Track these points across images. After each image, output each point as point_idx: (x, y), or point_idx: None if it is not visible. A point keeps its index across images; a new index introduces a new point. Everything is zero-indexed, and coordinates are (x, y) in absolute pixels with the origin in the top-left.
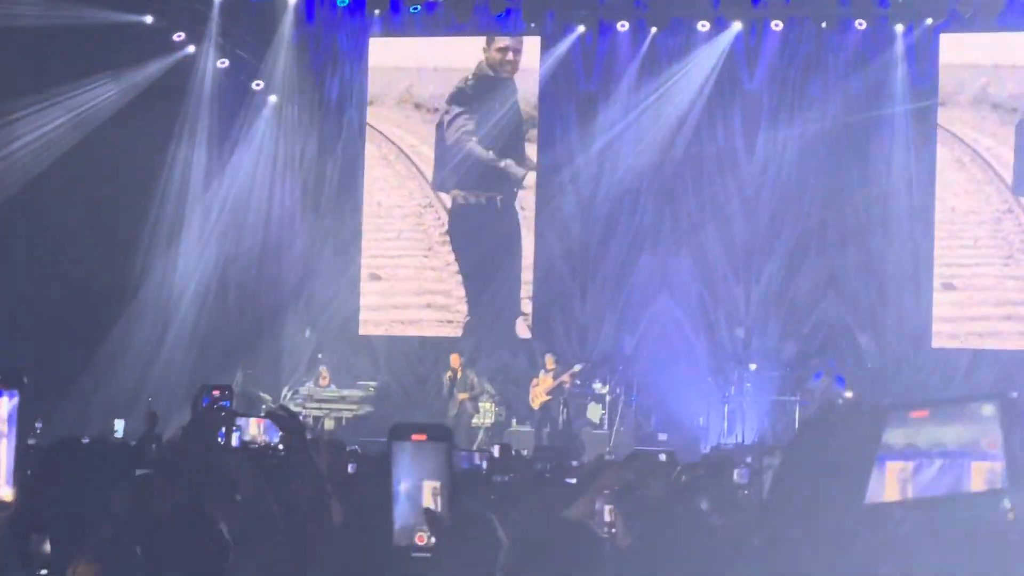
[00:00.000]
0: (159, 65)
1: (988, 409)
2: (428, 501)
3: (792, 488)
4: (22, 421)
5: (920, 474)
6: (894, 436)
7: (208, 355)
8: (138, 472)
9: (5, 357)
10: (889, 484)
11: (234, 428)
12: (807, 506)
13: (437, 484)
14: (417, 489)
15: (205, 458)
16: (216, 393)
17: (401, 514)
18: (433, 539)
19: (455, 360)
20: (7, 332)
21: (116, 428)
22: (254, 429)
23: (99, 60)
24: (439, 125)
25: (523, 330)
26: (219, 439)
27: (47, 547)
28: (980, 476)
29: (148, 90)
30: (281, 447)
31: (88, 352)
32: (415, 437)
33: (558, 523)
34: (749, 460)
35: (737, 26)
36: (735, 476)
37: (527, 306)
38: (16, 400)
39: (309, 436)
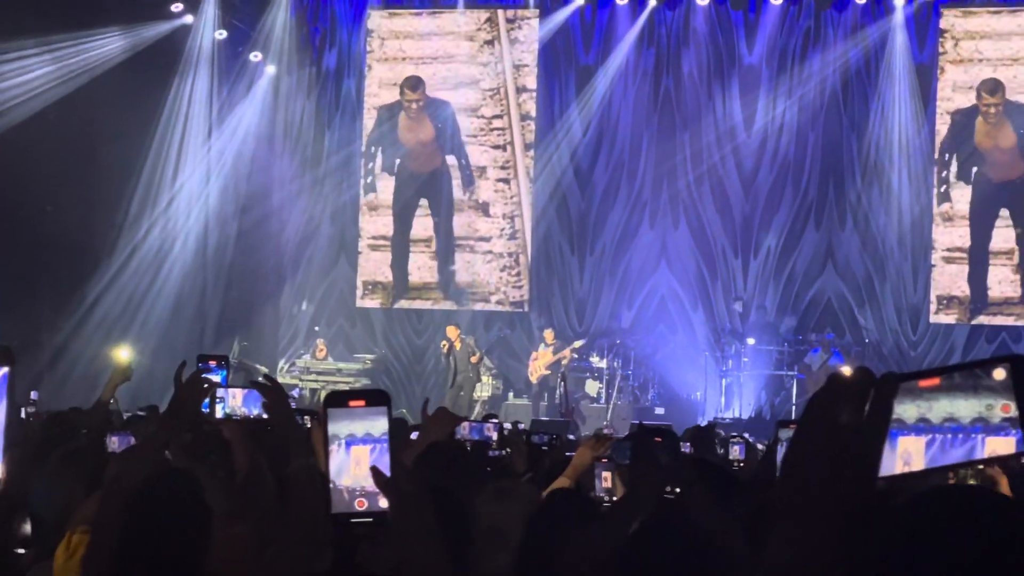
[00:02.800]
0: (156, 31)
1: (1000, 372)
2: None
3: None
4: (12, 397)
5: (932, 449)
6: (905, 410)
7: (203, 325)
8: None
9: None
10: (900, 460)
11: (217, 399)
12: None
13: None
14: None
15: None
16: (212, 363)
17: (337, 480)
18: (377, 506)
19: (452, 332)
20: None
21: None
22: (235, 400)
23: (98, 17)
24: (435, 96)
25: (522, 303)
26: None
27: (27, 528)
28: (993, 450)
29: (144, 53)
30: (265, 417)
31: (76, 316)
32: (352, 403)
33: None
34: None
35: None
36: (730, 452)
37: (525, 279)
38: (5, 376)
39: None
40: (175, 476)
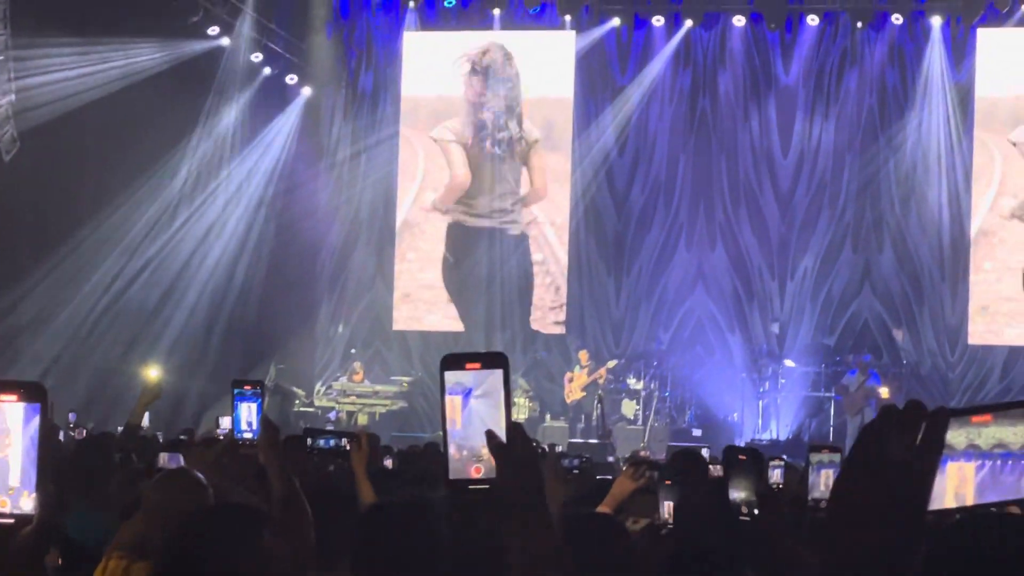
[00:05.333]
0: (192, 49)
1: None
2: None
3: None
4: (45, 432)
5: (981, 473)
6: (954, 436)
7: (239, 347)
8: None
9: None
10: (949, 486)
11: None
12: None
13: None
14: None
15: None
16: (248, 388)
17: (455, 446)
18: (492, 473)
19: None
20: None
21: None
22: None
23: (139, 29)
24: (474, 121)
25: (557, 326)
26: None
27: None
28: None
29: (181, 68)
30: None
31: (122, 344)
32: (469, 366)
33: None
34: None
35: (773, 25)
36: (771, 475)
37: (561, 301)
38: (37, 410)
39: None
40: (236, 514)
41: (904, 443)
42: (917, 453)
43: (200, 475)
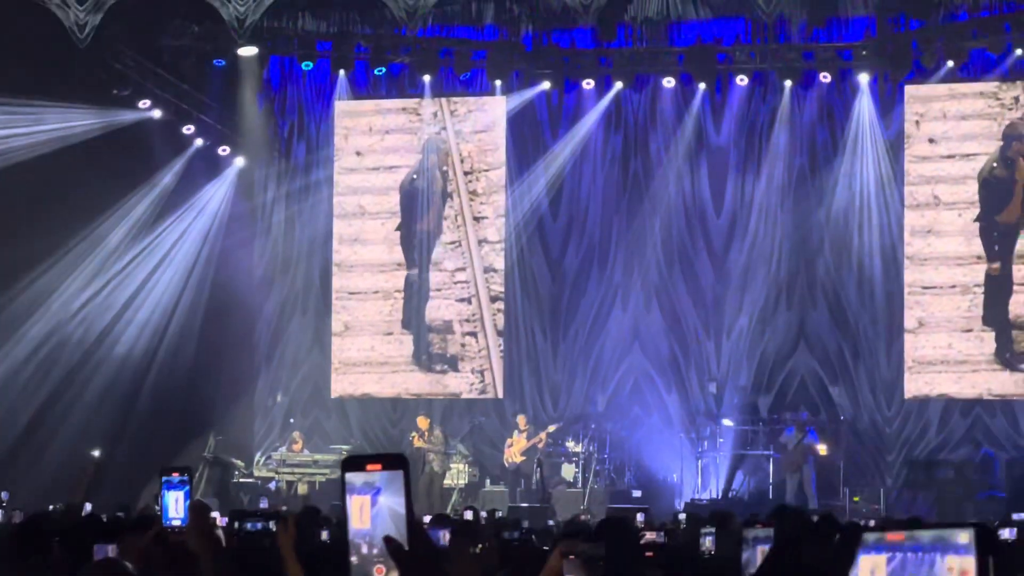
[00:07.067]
0: (124, 118)
1: (964, 536)
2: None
3: None
4: None
5: (892, 566)
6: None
7: (178, 421)
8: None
9: None
10: None
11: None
12: None
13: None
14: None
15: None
16: (175, 475)
17: (356, 547)
18: (394, 573)
19: (423, 423)
20: None
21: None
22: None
23: (73, 93)
24: (405, 186)
25: (499, 386)
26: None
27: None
28: (951, 567)
29: (114, 136)
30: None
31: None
32: (370, 467)
33: None
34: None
35: (702, 85)
36: (702, 543)
37: (499, 365)
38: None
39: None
40: None
41: (819, 554)
42: (830, 564)
43: (129, 565)
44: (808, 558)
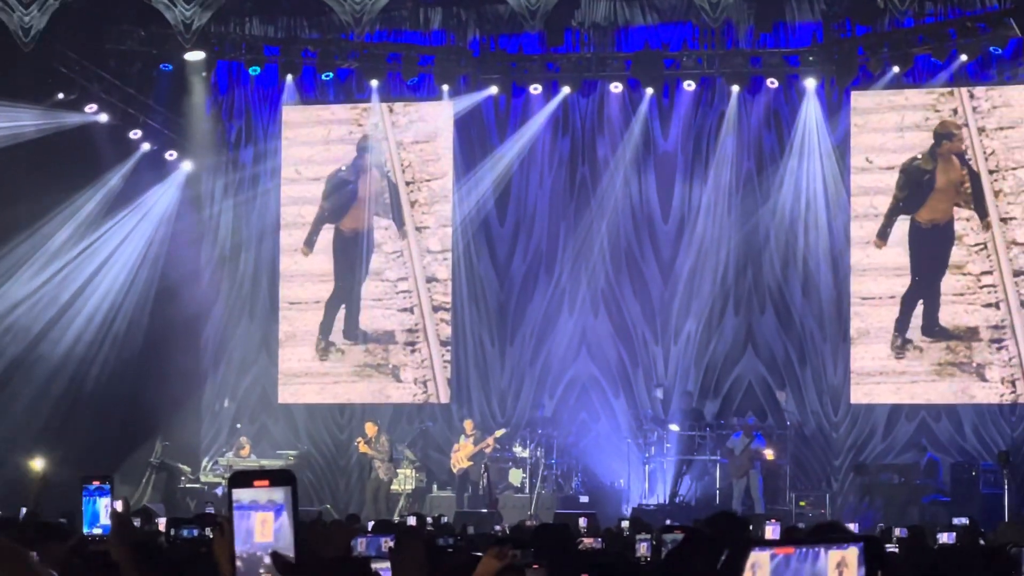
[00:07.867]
0: (71, 121)
1: (852, 551)
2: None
3: None
4: None
5: (775, 562)
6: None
7: (124, 427)
8: None
9: None
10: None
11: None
12: None
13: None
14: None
15: None
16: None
17: (257, 559)
18: None
19: (371, 429)
20: None
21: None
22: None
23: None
24: (353, 190)
25: (443, 395)
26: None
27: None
28: (835, 561)
29: (62, 138)
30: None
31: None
32: (257, 483)
33: None
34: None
35: (650, 91)
36: (637, 548)
37: (446, 371)
38: None
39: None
40: None
41: (707, 566)
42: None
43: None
44: (698, 569)
